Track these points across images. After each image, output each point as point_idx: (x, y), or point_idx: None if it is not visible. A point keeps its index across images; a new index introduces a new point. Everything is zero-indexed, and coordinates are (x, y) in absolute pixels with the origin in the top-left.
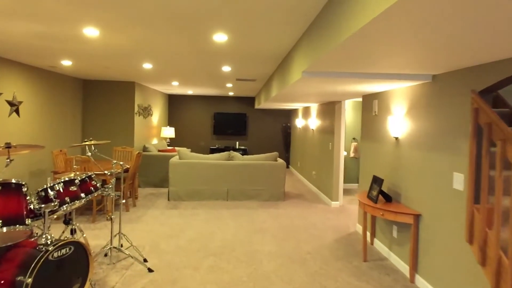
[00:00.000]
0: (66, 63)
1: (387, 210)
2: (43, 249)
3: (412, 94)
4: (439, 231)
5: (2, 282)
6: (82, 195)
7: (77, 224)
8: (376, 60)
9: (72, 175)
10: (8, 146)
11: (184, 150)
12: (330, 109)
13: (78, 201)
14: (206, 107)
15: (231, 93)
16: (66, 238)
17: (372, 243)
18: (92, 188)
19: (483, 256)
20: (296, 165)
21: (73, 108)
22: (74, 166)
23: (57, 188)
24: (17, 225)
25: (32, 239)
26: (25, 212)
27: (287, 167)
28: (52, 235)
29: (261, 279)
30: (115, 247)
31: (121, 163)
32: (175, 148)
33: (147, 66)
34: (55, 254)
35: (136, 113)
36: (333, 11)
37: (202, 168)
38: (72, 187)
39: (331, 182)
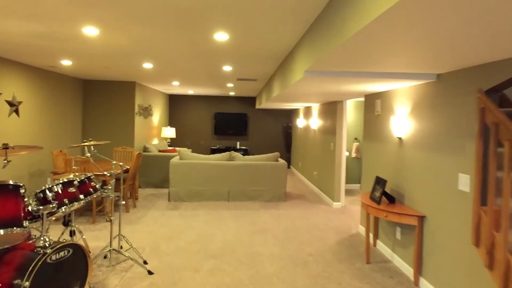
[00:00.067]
0: (66, 63)
1: (391, 212)
2: (41, 251)
3: (416, 93)
4: (444, 233)
5: None
6: (81, 196)
7: (76, 226)
8: (380, 59)
9: (71, 176)
10: (5, 147)
11: (185, 151)
12: (332, 109)
13: (77, 203)
14: (207, 107)
15: (232, 93)
16: (64, 241)
17: (374, 245)
18: (91, 190)
19: (490, 260)
20: (297, 165)
21: (73, 108)
22: (74, 167)
23: (56, 190)
24: (15, 228)
25: (30, 242)
26: (22, 214)
27: (288, 167)
28: (51, 238)
29: (263, 282)
30: (115, 249)
31: (121, 163)
32: (176, 148)
33: (148, 65)
34: (53, 257)
35: (136, 113)
36: (337, 9)
37: (203, 169)
38: (70, 189)
39: (333, 182)
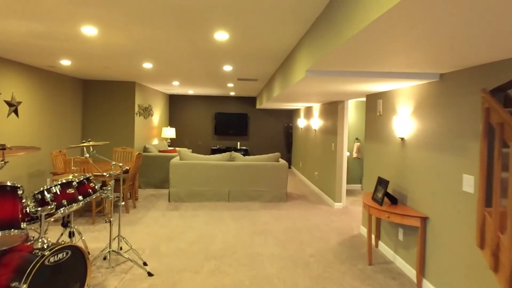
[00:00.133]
0: (65, 62)
1: (393, 213)
2: (39, 253)
3: (418, 93)
4: (447, 234)
5: None
6: (80, 197)
7: (76, 227)
8: (381, 59)
9: (70, 177)
10: (2, 148)
11: (185, 151)
12: (333, 109)
13: (75, 204)
14: (207, 107)
15: (232, 93)
16: (63, 242)
17: (376, 246)
18: (90, 191)
19: (495, 262)
20: (298, 165)
21: (73, 109)
22: (73, 168)
23: (54, 191)
24: (12, 229)
25: (28, 243)
26: (20, 216)
27: (289, 167)
28: (49, 239)
29: (264, 283)
30: (114, 251)
31: (120, 164)
32: (176, 148)
33: (147, 65)
34: (52, 259)
35: (136, 113)
36: (339, 8)
37: (203, 169)
38: (69, 190)
39: (334, 183)
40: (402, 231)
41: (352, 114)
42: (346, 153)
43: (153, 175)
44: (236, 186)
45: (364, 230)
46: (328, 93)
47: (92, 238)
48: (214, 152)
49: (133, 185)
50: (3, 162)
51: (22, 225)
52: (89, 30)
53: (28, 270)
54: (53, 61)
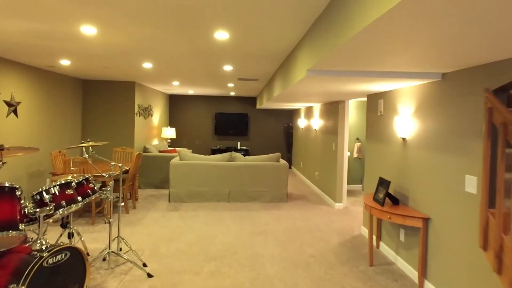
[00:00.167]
0: (65, 62)
1: (395, 214)
2: (38, 255)
3: (420, 93)
4: (450, 235)
5: None
6: (79, 198)
7: (75, 228)
8: (383, 58)
9: (69, 177)
10: (0, 148)
11: (185, 151)
12: (334, 109)
13: (74, 205)
14: (207, 107)
15: (232, 93)
16: (61, 244)
17: (378, 247)
18: (90, 191)
19: (499, 263)
20: (298, 165)
21: (73, 109)
22: (72, 168)
23: (53, 192)
24: (10, 231)
25: (27, 245)
26: (18, 217)
27: (290, 167)
28: (48, 241)
29: (264, 284)
30: (114, 252)
31: (120, 164)
32: (176, 148)
33: (147, 65)
34: (50, 261)
35: (136, 114)
36: (338, 9)
37: (203, 169)
38: (68, 190)
39: (335, 183)
40: (403, 232)
41: (353, 114)
42: (347, 153)
43: (153, 175)
44: (236, 186)
45: (365, 231)
46: (329, 93)
47: (92, 239)
48: (214, 152)
49: (133, 185)
50: (1, 163)
51: (20, 226)
52: (89, 30)
53: (26, 272)
54: (52, 61)
